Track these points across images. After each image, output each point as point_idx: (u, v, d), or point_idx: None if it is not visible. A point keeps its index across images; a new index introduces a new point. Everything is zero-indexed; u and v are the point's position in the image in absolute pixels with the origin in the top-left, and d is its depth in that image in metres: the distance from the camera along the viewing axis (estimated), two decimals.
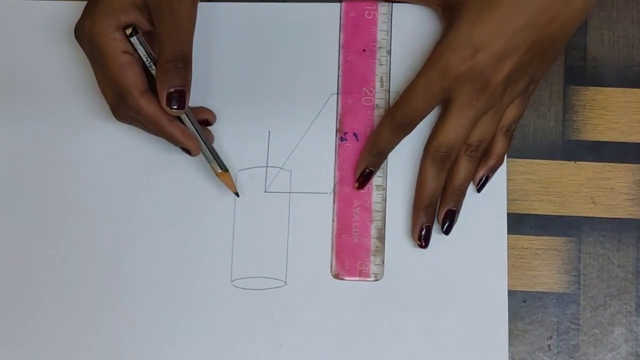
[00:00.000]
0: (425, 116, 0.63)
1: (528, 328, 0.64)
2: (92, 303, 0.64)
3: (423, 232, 0.63)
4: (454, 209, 0.63)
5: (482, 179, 0.64)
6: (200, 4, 0.63)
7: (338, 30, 0.66)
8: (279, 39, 0.66)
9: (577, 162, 0.65)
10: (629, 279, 0.64)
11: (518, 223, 0.64)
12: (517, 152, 0.65)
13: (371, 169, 0.64)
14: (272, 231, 0.64)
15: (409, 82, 0.62)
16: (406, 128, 0.63)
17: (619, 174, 0.65)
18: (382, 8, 0.66)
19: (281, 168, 0.65)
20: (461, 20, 0.60)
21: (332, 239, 0.65)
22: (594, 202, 0.65)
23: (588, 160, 0.65)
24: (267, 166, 0.65)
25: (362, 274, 0.64)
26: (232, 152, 0.65)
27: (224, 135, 0.65)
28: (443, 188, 0.63)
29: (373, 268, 0.64)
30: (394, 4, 0.66)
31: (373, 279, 0.64)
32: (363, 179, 0.64)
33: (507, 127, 0.63)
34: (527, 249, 0.64)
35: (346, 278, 0.64)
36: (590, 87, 0.66)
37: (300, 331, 0.63)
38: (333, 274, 0.64)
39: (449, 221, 0.63)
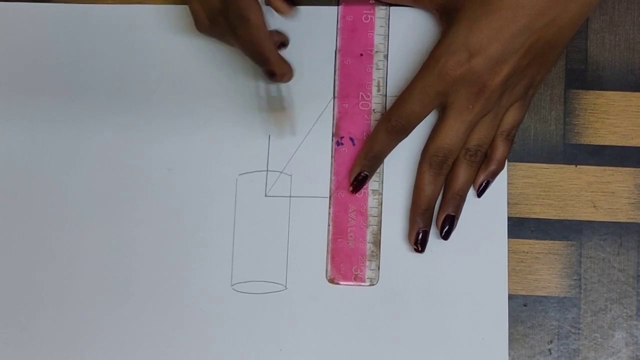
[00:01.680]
0: (421, 120, 0.62)
1: (528, 332, 0.64)
2: (91, 307, 0.64)
3: (420, 237, 0.63)
4: (453, 214, 0.63)
5: (482, 184, 0.63)
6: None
7: (335, 34, 0.66)
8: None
9: (578, 166, 0.65)
10: (629, 283, 0.64)
11: (518, 227, 0.64)
12: (518, 155, 0.65)
13: (366, 173, 0.64)
14: (272, 235, 0.65)
15: (406, 86, 0.62)
16: (402, 132, 0.63)
17: (619, 177, 0.65)
18: (380, 12, 0.66)
19: (281, 172, 0.65)
20: (458, 25, 0.60)
21: (327, 243, 0.65)
22: (594, 206, 0.64)
23: (589, 164, 0.65)
24: (267, 170, 0.65)
25: (357, 278, 0.64)
26: (233, 157, 0.66)
27: (224, 139, 0.66)
28: (443, 193, 0.63)
29: (368, 273, 0.64)
30: (392, 8, 0.66)
31: (368, 283, 0.64)
32: (357, 183, 0.64)
33: (508, 132, 0.63)
34: (527, 252, 0.64)
35: (341, 283, 0.64)
36: (591, 91, 0.65)
37: (301, 335, 0.63)
38: (328, 278, 0.64)
39: (448, 226, 0.63)
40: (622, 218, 0.64)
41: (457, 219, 0.63)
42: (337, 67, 0.66)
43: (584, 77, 0.66)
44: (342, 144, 0.65)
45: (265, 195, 0.65)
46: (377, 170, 0.65)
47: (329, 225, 0.65)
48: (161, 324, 0.64)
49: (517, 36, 0.59)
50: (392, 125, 0.62)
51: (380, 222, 0.64)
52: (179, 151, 0.66)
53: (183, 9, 0.67)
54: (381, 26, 0.66)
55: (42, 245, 0.65)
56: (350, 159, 0.65)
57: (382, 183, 0.65)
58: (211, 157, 0.65)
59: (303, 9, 0.66)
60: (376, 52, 0.66)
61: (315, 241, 0.64)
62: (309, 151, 0.65)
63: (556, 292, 0.64)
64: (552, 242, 0.64)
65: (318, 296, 0.64)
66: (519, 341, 0.63)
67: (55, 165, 0.66)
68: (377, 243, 0.64)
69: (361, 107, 0.65)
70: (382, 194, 0.65)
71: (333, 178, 0.65)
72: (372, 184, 0.65)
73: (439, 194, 0.63)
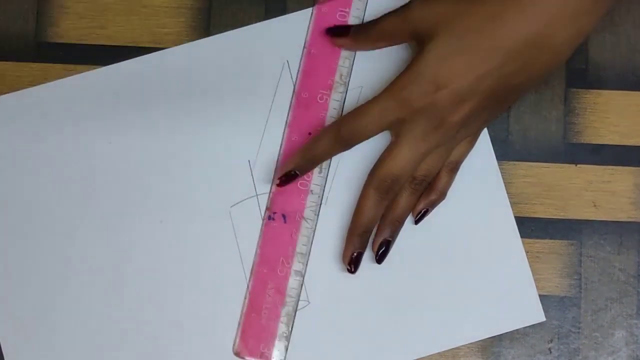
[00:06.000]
0: (368, 139, 0.62)
1: (529, 331, 0.64)
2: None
3: (354, 257, 0.62)
4: (389, 239, 0.62)
5: (421, 211, 0.63)
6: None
7: (287, 109, 0.65)
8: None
9: (578, 165, 0.65)
10: (630, 282, 0.64)
11: (519, 226, 0.64)
12: (518, 155, 0.65)
13: (297, 172, 0.62)
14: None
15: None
16: (347, 144, 0.62)
17: (620, 177, 0.65)
18: (335, 94, 0.65)
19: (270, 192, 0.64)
20: (430, 54, 0.59)
21: (240, 316, 0.63)
22: (595, 206, 0.65)
23: (589, 163, 0.65)
24: (257, 195, 0.64)
25: (263, 357, 0.63)
26: (219, 191, 0.64)
27: (205, 175, 0.64)
28: (382, 217, 0.63)
29: (275, 353, 0.63)
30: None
31: None
32: (286, 179, 0.62)
33: (454, 164, 0.63)
34: (527, 252, 0.64)
35: (247, 358, 0.63)
36: (592, 90, 0.65)
37: None
38: (235, 351, 0.63)
39: (383, 250, 0.62)
40: (622, 217, 0.64)
41: (393, 243, 0.63)
42: (282, 143, 0.64)
43: (584, 76, 0.66)
44: (273, 219, 0.64)
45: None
46: (303, 257, 0.63)
47: (245, 299, 0.63)
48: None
49: (485, 78, 0.58)
50: (341, 135, 0.61)
51: (297, 303, 0.63)
52: (168, 201, 0.64)
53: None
54: (334, 108, 0.65)
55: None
56: (280, 234, 0.64)
57: (306, 265, 0.64)
58: (201, 196, 0.64)
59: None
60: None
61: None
62: None
63: (556, 292, 0.64)
64: (552, 241, 0.64)
65: None
66: (519, 340, 0.64)
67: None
68: (289, 324, 0.63)
69: (300, 187, 0.64)
70: (304, 275, 0.63)
71: (258, 251, 0.64)
72: (296, 265, 0.64)
73: (379, 218, 0.63)
